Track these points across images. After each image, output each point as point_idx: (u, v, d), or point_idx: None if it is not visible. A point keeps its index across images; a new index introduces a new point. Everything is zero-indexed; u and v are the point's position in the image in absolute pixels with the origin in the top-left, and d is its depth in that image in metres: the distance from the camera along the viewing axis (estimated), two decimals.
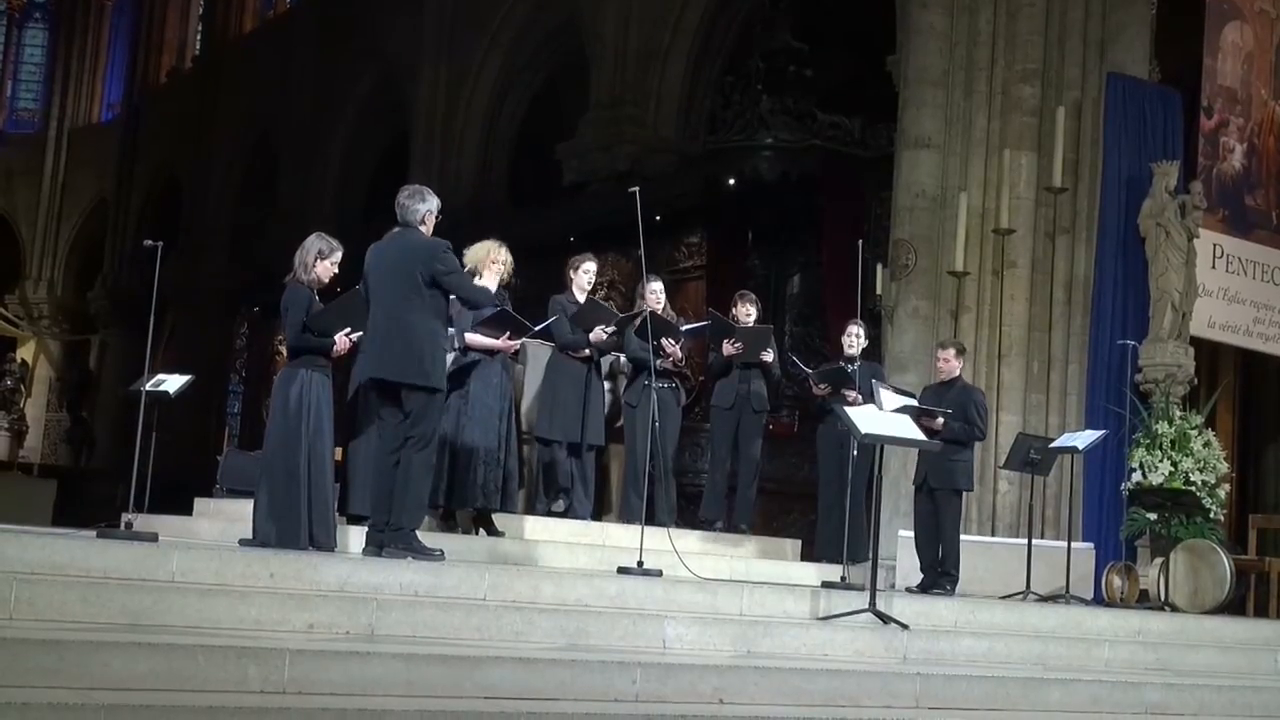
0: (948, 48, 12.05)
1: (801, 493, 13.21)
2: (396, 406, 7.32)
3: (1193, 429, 11.05)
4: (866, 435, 7.56)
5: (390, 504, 7.24)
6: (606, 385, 9.85)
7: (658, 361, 9.45)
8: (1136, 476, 10.93)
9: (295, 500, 7.29)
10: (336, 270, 7.63)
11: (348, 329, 7.52)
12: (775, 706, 5.83)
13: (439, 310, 7.42)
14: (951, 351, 9.94)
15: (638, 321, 9.32)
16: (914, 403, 9.28)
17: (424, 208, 7.47)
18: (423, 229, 7.45)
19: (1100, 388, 11.47)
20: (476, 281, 8.21)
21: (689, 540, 9.11)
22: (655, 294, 9.75)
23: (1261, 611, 11.11)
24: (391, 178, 22.73)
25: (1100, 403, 11.38)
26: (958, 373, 9.90)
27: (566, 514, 9.28)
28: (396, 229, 7.52)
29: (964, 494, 9.91)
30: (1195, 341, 11.59)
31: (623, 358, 9.90)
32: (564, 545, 8.58)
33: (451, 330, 8.21)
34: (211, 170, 29.09)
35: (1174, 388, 11.26)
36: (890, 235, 12.24)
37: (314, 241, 7.60)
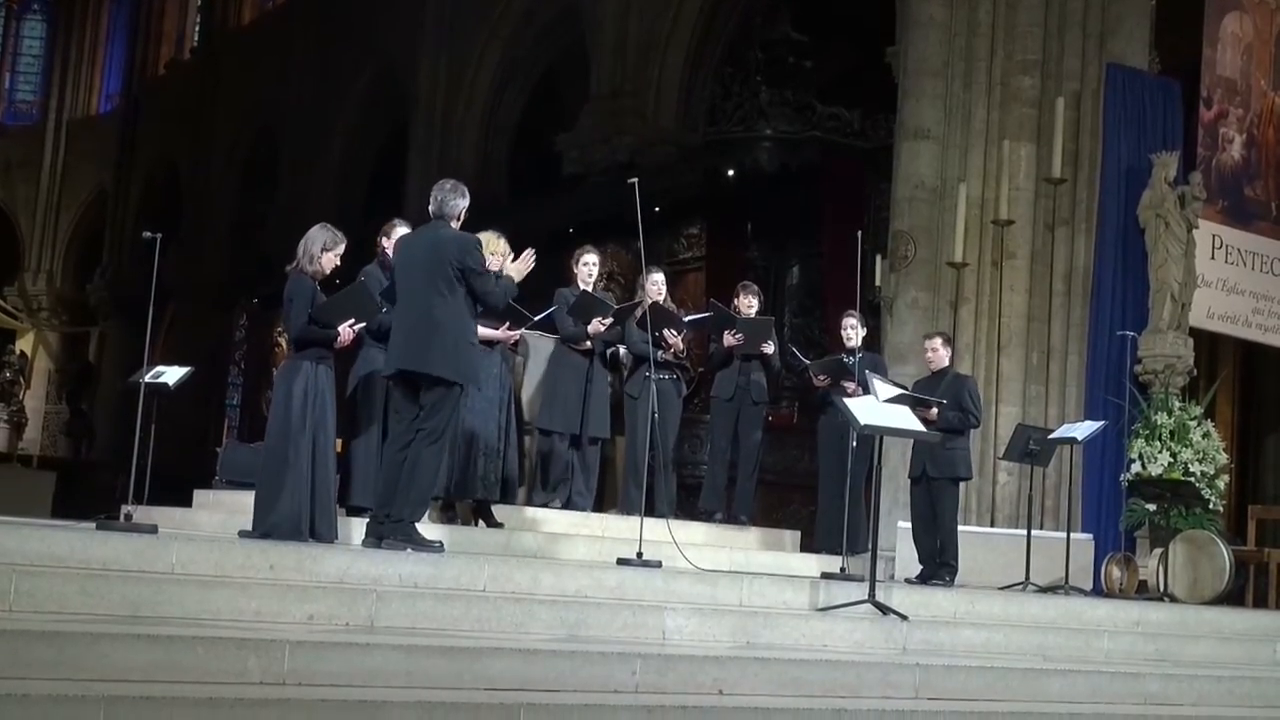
0: (947, 39, 12.04)
1: (801, 484, 13.22)
2: (414, 400, 7.31)
3: (1192, 420, 11.06)
4: (866, 427, 7.55)
5: (394, 496, 7.24)
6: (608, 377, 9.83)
7: (659, 353, 9.45)
8: (1136, 467, 10.94)
9: (296, 492, 7.29)
10: (339, 262, 7.63)
11: (351, 320, 7.52)
12: (775, 697, 5.84)
13: (471, 303, 7.42)
14: (938, 341, 9.95)
15: (638, 312, 9.31)
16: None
17: (463, 204, 7.47)
18: (454, 224, 7.45)
19: (1099, 379, 11.47)
20: None
21: (689, 531, 9.11)
22: (656, 284, 9.75)
23: (1261, 602, 11.13)
24: (392, 169, 22.83)
25: (1099, 394, 11.39)
26: (947, 362, 9.91)
27: (567, 506, 9.28)
28: (408, 226, 7.50)
29: (961, 484, 9.92)
30: (1194, 332, 11.61)
31: (623, 349, 9.90)
32: (564, 537, 8.58)
33: None
34: (211, 162, 29.06)
35: (1173, 378, 11.27)
36: (889, 226, 12.25)
37: (319, 233, 7.58)
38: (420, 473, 7.21)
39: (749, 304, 10.15)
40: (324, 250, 7.51)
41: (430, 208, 7.47)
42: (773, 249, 16.06)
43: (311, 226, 7.75)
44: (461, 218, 7.49)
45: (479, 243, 7.50)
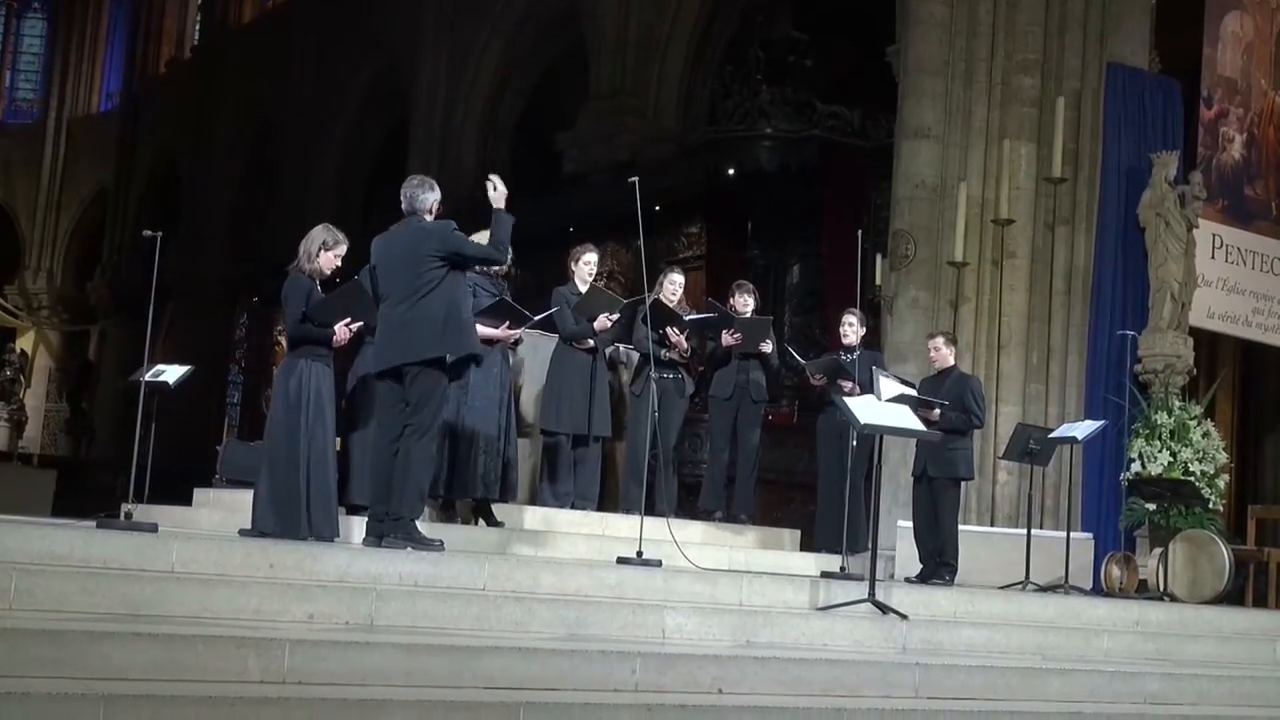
0: (947, 38, 12.03)
1: (801, 483, 13.21)
2: (400, 395, 7.31)
3: (1192, 419, 11.06)
4: (866, 426, 7.55)
5: (390, 494, 7.24)
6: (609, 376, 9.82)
7: (664, 352, 9.46)
8: (1136, 467, 10.94)
9: (296, 490, 7.30)
10: (339, 263, 7.64)
11: (348, 319, 7.52)
12: (775, 696, 5.84)
13: (458, 284, 7.39)
14: (940, 340, 9.93)
15: (641, 310, 9.31)
16: (913, 391, 9.28)
17: (433, 197, 7.48)
18: (428, 218, 7.45)
19: (1100, 378, 11.47)
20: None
21: (689, 530, 9.11)
22: (674, 285, 9.79)
23: (1260, 602, 11.13)
24: (391, 167, 22.81)
25: (1099, 393, 11.39)
26: (951, 361, 9.87)
27: (571, 506, 9.26)
28: (398, 221, 7.51)
29: (963, 483, 9.91)
30: (1194, 332, 11.61)
31: (623, 348, 9.89)
32: (563, 535, 8.58)
33: None
34: (211, 160, 29.07)
35: (1173, 378, 11.27)
36: (890, 225, 12.24)
37: (319, 232, 7.61)
38: (413, 468, 7.19)
39: (745, 303, 10.14)
40: (323, 249, 7.53)
41: (403, 205, 7.48)
42: (773, 248, 16.05)
43: (311, 224, 7.79)
44: (434, 211, 7.47)
45: (454, 224, 7.47)
